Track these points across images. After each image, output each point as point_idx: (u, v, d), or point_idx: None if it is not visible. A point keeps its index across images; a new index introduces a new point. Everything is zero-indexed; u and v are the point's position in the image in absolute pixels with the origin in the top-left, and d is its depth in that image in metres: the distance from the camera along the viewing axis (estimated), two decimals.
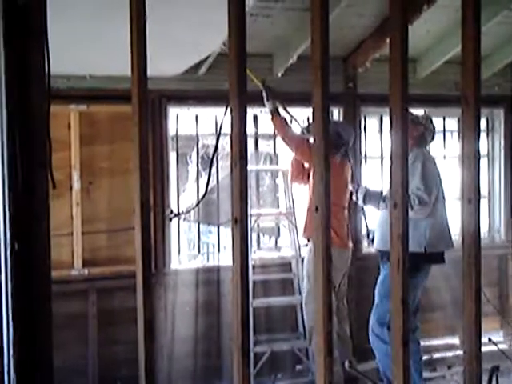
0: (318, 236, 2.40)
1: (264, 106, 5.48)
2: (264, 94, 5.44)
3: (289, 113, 5.60)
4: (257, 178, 6.37)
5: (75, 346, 5.38)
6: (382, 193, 5.20)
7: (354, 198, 5.31)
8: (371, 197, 5.18)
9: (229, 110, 2.35)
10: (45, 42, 2.17)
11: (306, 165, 5.65)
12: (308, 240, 5.58)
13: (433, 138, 5.33)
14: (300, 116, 5.84)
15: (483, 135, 7.00)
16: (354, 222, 5.99)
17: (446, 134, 7.00)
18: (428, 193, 4.89)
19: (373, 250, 5.45)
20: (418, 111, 6.31)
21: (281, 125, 5.52)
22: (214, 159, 5.34)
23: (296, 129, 5.65)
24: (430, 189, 4.92)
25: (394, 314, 2.43)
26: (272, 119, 5.54)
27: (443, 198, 5.13)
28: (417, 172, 4.91)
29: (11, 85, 2.14)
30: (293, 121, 5.65)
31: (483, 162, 6.92)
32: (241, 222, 2.33)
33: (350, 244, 5.65)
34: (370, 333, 5.11)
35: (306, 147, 5.30)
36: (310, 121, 5.65)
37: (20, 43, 2.14)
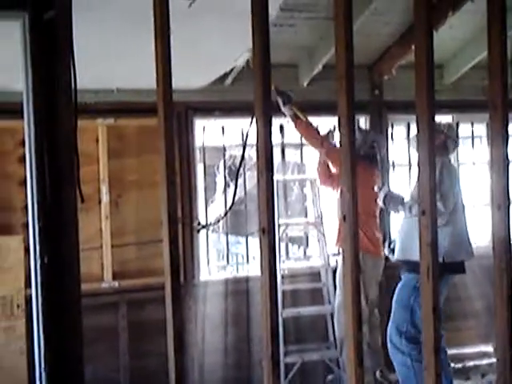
0: (347, 245, 2.39)
1: (284, 115, 5.34)
2: (279, 101, 5.29)
3: (305, 117, 5.43)
4: (284, 187, 6.35)
5: (106, 358, 5.39)
6: (403, 199, 5.12)
7: (378, 199, 5.18)
8: (392, 198, 5.07)
9: (254, 120, 2.36)
10: (71, 57, 2.20)
11: (333, 169, 5.58)
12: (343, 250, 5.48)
13: (456, 147, 5.25)
14: (326, 125, 5.80)
15: None
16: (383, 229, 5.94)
17: (475, 139, 6.94)
18: (443, 201, 4.74)
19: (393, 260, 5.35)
20: (446, 117, 6.28)
21: (306, 129, 5.40)
22: (241, 170, 5.31)
23: None
24: (446, 197, 4.79)
25: (425, 321, 2.41)
26: (296, 126, 5.41)
27: (463, 207, 5.01)
28: None
29: (39, 100, 2.16)
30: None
31: None
32: (268, 233, 2.33)
33: (382, 252, 5.61)
34: (388, 343, 4.97)
35: (336, 151, 5.21)
36: (331, 128, 5.60)
37: (47, 58, 2.17)
